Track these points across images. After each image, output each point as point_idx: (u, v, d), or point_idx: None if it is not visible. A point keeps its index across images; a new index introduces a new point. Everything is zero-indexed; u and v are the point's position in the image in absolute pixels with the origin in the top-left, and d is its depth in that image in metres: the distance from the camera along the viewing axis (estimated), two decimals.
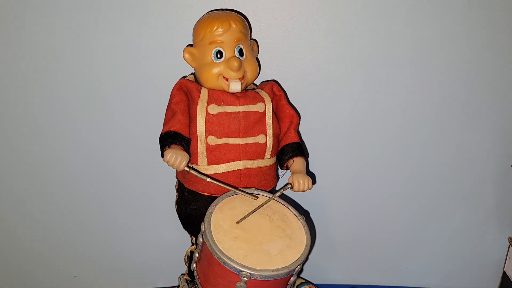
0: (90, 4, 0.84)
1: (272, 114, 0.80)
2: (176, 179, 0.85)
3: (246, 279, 0.66)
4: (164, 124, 0.77)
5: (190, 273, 0.91)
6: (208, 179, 0.74)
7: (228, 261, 0.66)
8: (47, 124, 0.93)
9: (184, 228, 0.86)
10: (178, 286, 0.94)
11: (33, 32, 0.86)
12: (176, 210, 0.86)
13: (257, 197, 0.77)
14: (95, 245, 1.04)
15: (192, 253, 0.87)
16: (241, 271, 0.66)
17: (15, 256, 1.06)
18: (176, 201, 0.86)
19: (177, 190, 0.85)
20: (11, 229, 1.03)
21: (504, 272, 1.00)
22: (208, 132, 0.76)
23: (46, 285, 1.08)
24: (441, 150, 0.96)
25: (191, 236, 0.87)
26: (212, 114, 0.76)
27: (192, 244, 0.87)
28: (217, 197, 0.76)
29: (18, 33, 0.86)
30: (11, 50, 0.88)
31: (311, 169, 0.95)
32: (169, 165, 0.72)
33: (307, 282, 0.96)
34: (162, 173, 0.90)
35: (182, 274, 0.94)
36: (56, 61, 0.88)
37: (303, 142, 0.93)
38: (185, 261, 0.91)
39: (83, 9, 0.85)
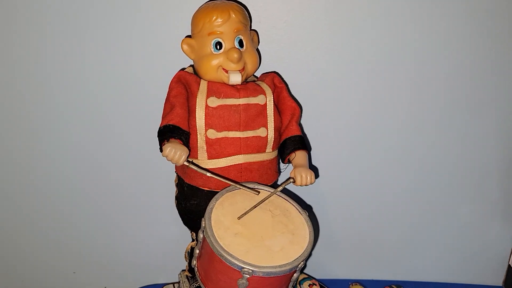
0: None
1: (273, 106, 0.79)
2: (175, 174, 0.84)
3: (248, 276, 0.65)
4: (162, 117, 0.76)
5: (190, 269, 0.90)
6: (208, 174, 0.73)
7: (230, 258, 0.65)
8: (45, 121, 0.92)
9: (184, 224, 0.85)
10: (179, 282, 0.93)
11: (25, 31, 0.85)
12: (176, 206, 0.84)
13: (259, 192, 0.75)
14: (95, 242, 1.04)
15: (192, 249, 0.86)
16: (243, 268, 0.65)
17: (14, 254, 1.05)
18: (175, 197, 0.84)
19: (177, 185, 0.84)
20: (10, 227, 1.02)
21: (509, 265, 1.00)
22: (208, 125, 0.75)
23: (45, 282, 1.08)
24: (446, 144, 0.95)
25: (191, 232, 0.86)
26: (212, 107, 0.75)
27: (193, 240, 0.86)
28: (217, 192, 0.74)
29: (8, 32, 0.85)
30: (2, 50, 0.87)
31: (313, 162, 0.94)
32: (168, 160, 0.70)
33: (309, 277, 0.95)
34: (162, 168, 0.89)
35: (182, 270, 0.93)
36: (50, 57, 0.87)
37: (305, 135, 0.91)
38: (185, 257, 0.90)
39: (77, 4, 0.83)
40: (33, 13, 0.84)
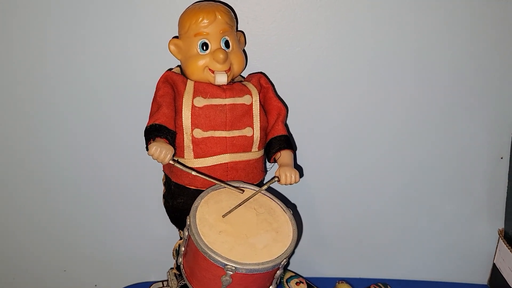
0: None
1: (259, 106, 0.79)
2: (163, 173, 0.85)
3: (232, 273, 0.66)
4: (149, 117, 0.77)
5: (178, 267, 0.91)
6: (193, 173, 0.73)
7: (213, 255, 0.66)
8: (34, 120, 0.92)
9: (171, 222, 0.86)
10: (168, 280, 0.94)
11: (19, 31, 0.86)
12: (164, 204, 0.85)
13: (243, 191, 0.76)
14: (85, 240, 1.04)
15: (180, 247, 0.87)
16: (226, 265, 0.65)
17: (4, 251, 1.05)
18: (163, 195, 0.85)
19: (164, 184, 0.85)
20: (0, 224, 1.02)
21: (494, 264, 1.00)
22: (194, 125, 0.76)
23: (36, 279, 1.08)
24: (431, 143, 0.95)
25: (179, 230, 0.87)
26: (198, 107, 0.76)
27: (181, 238, 0.87)
28: (203, 191, 0.75)
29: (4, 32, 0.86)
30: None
31: (299, 162, 0.95)
32: (153, 159, 0.71)
33: (296, 275, 0.96)
34: (151, 167, 0.89)
35: (171, 268, 0.94)
36: (38, 57, 0.87)
37: (291, 135, 0.92)
38: (173, 255, 0.90)
39: (67, 6, 0.84)
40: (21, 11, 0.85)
